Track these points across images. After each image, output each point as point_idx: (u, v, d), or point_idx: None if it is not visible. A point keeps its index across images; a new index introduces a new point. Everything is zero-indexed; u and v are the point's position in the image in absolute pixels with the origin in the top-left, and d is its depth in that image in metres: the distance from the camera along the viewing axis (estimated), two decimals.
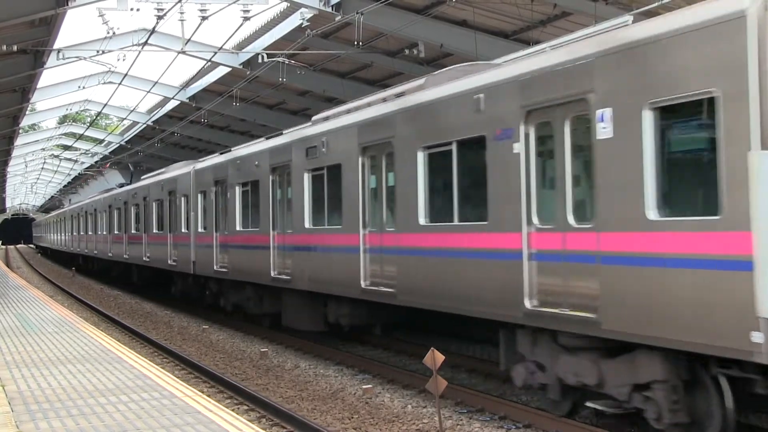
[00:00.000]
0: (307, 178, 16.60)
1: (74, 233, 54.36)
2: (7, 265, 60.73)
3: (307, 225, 16.62)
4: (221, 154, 23.55)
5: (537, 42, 19.07)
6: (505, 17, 21.65)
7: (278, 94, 34.26)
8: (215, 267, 22.13)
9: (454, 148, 11.97)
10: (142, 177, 35.19)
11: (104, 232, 40.54)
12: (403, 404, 12.83)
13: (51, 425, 8.52)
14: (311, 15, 23.18)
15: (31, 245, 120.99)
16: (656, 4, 15.82)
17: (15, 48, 21.76)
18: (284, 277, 17.62)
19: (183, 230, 25.46)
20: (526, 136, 10.44)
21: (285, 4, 24.07)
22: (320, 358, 17.41)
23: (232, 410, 11.57)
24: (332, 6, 22.57)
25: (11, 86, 28.02)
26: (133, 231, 33.27)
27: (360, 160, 14.56)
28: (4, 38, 21.17)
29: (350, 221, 14.85)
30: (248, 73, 29.03)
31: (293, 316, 18.21)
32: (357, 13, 20.78)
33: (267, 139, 20.59)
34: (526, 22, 21.24)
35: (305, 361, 17.13)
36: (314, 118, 17.43)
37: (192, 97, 36.51)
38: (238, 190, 20.54)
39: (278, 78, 27.54)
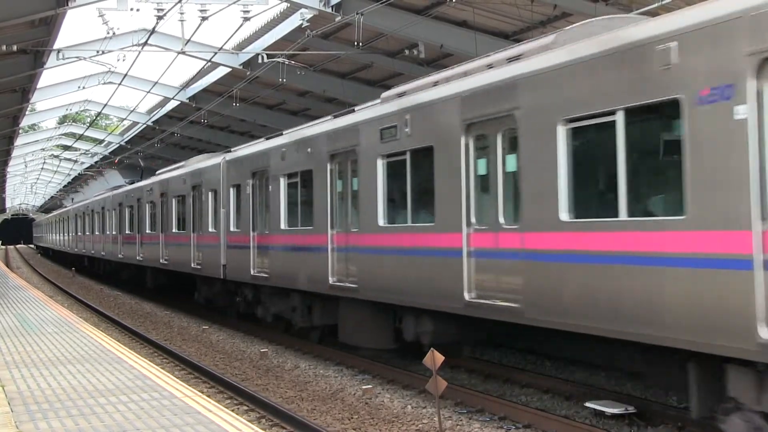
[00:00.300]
0: (381, 165, 13.80)
1: (79, 233, 51.25)
2: (7, 265, 60.73)
3: (381, 223, 13.78)
4: (261, 141, 20.59)
5: None
6: (505, 18, 21.66)
7: (278, 95, 34.27)
8: (252, 272, 19.27)
9: (619, 118, 9.03)
10: (158, 171, 31.66)
11: (114, 232, 37.65)
12: (402, 405, 12.83)
13: (50, 425, 8.52)
14: (311, 15, 23.18)
15: (31, 245, 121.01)
16: (656, 5, 15.86)
17: (15, 48, 21.76)
18: (348, 285, 14.81)
19: (210, 229, 22.50)
20: (759, 94, 7.53)
21: (285, 5, 24.08)
22: (320, 358, 17.40)
23: (232, 410, 11.57)
24: (332, 6, 22.57)
25: (11, 86, 28.02)
26: (148, 231, 30.29)
27: (462, 140, 11.63)
28: (4, 38, 21.17)
29: (447, 217, 11.98)
30: (248, 73, 29.04)
31: (354, 331, 15.55)
32: (357, 13, 20.78)
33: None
34: (526, 22, 21.25)
35: (305, 361, 17.13)
36: (384, 95, 14.88)
37: (192, 98, 36.53)
38: (283, 182, 17.66)
39: (278, 78, 27.54)
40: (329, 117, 17.23)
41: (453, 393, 12.74)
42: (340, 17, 22.17)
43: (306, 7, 22.94)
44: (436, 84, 13.00)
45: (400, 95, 14.01)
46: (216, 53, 28.20)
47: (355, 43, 22.32)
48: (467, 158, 11.66)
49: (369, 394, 13.57)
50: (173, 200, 26.54)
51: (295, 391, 14.21)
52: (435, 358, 10.26)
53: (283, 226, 17.72)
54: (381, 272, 13.80)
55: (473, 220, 11.58)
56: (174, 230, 26.47)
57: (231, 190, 20.95)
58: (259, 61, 26.32)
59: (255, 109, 37.44)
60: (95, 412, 9.10)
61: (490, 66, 11.83)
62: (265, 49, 26.58)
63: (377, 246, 13.90)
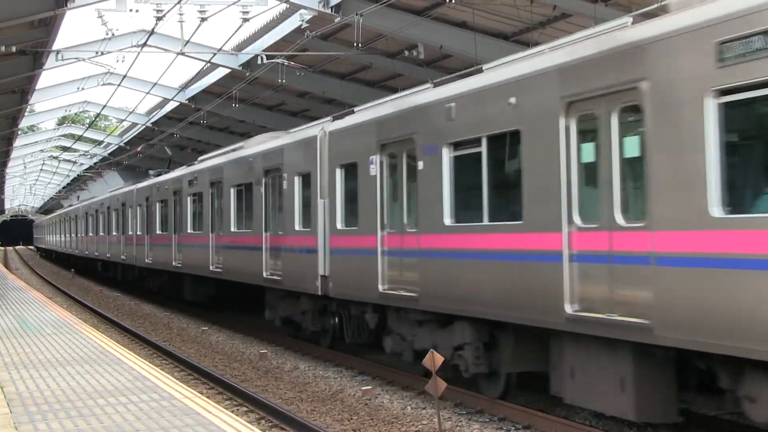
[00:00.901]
0: (713, 110, 8.03)
1: (90, 234, 45.21)
2: (6, 266, 60.69)
3: (716, 212, 8.01)
4: (396, 96, 14.99)
5: (537, 44, 19.07)
6: (504, 19, 21.66)
7: (278, 96, 34.27)
8: (381, 287, 13.80)
9: None
10: (200, 158, 26.58)
11: (139, 233, 32.07)
12: (402, 405, 12.81)
13: (50, 426, 8.50)
14: (311, 16, 23.19)
15: (31, 247, 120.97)
16: (655, 6, 15.84)
17: (14, 49, 21.78)
18: (614, 318, 9.06)
19: (298, 228, 17.00)
20: None
21: (284, 6, 24.08)
22: (319, 359, 17.38)
23: (232, 411, 11.56)
24: (332, 7, 22.57)
25: (10, 87, 28.06)
26: (190, 230, 24.97)
27: None
28: (3, 39, 21.18)
29: None
30: (248, 74, 29.04)
31: (597, 390, 9.85)
32: (356, 14, 20.77)
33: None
34: (526, 23, 21.25)
35: (305, 362, 17.11)
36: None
37: (191, 99, 36.56)
38: (447, 155, 12.07)
39: (278, 79, 27.54)
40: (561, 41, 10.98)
41: (453, 394, 12.72)
42: (339, 18, 22.17)
43: (305, 8, 22.94)
44: None
45: None
46: (215, 54, 28.20)
47: (355, 44, 22.31)
48: None
49: (369, 395, 13.55)
50: (231, 191, 21.01)
51: (295, 392, 14.20)
52: (435, 358, 10.25)
53: (448, 221, 12.12)
54: (724, 302, 7.86)
55: None
56: (232, 229, 21.06)
57: (338, 172, 15.49)
58: (259, 62, 26.32)
59: (254, 110, 37.45)
60: (94, 413, 9.09)
61: None
62: (264, 50, 26.58)
63: (714, 255, 8.00)
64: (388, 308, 14.25)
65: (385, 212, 13.94)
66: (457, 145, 11.99)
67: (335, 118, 16.52)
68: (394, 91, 22.09)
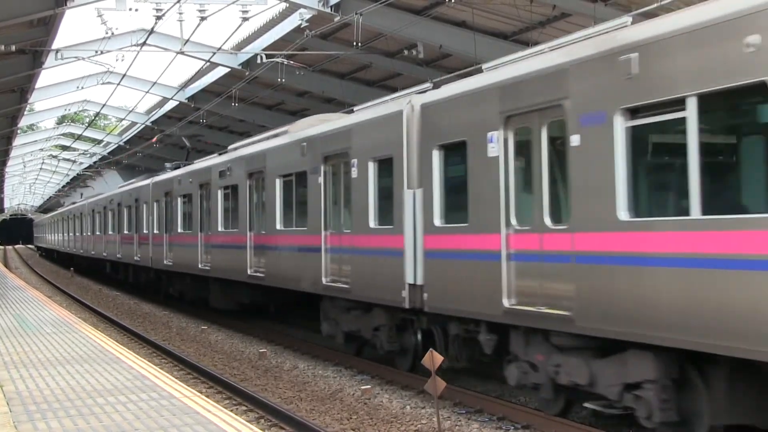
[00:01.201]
0: None
1: (97, 233, 42.57)
2: (6, 265, 60.70)
3: None
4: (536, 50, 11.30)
5: (536, 43, 19.09)
6: (504, 18, 21.67)
7: (277, 95, 34.29)
8: (506, 302, 10.77)
9: None
10: (229, 148, 23.80)
11: (155, 231, 29.34)
12: (401, 405, 12.82)
13: (49, 426, 8.50)
14: (310, 15, 23.21)
15: (30, 246, 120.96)
16: (654, 6, 15.86)
17: (14, 48, 21.80)
18: None
19: (373, 225, 14.12)
20: None
21: (284, 5, 24.09)
22: (319, 358, 17.39)
23: (231, 411, 11.56)
24: (331, 7, 22.59)
25: (10, 86, 28.08)
26: (220, 229, 22.18)
27: None
28: (2, 38, 21.21)
29: None
30: (247, 73, 29.05)
31: None
32: (356, 13, 20.78)
33: None
34: (525, 23, 21.26)
35: (304, 361, 17.11)
36: None
37: (191, 98, 36.57)
38: (620, 126, 9.01)
39: (277, 79, 27.56)
40: None
41: (452, 393, 12.73)
42: (339, 17, 22.18)
43: (305, 7, 22.96)
44: None
45: None
46: (215, 53, 28.20)
47: (354, 44, 22.32)
48: None
49: (368, 395, 13.56)
50: (277, 182, 18.18)
51: (294, 391, 14.20)
52: (434, 358, 10.26)
53: (624, 215, 8.92)
54: None
55: None
56: (278, 227, 18.16)
57: (435, 154, 12.38)
58: (258, 61, 26.34)
59: (254, 110, 37.46)
60: (94, 412, 9.09)
61: None
62: (264, 50, 26.59)
63: None
64: (513, 328, 11.07)
65: (511, 204, 10.78)
66: (637, 111, 8.79)
67: (424, 91, 13.64)
68: (394, 90, 22.09)
